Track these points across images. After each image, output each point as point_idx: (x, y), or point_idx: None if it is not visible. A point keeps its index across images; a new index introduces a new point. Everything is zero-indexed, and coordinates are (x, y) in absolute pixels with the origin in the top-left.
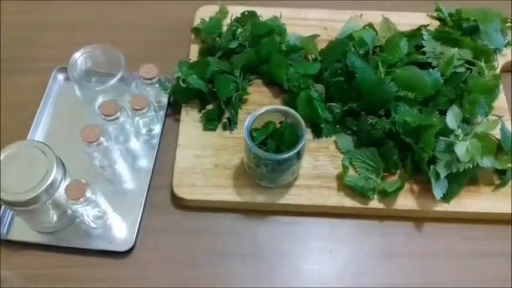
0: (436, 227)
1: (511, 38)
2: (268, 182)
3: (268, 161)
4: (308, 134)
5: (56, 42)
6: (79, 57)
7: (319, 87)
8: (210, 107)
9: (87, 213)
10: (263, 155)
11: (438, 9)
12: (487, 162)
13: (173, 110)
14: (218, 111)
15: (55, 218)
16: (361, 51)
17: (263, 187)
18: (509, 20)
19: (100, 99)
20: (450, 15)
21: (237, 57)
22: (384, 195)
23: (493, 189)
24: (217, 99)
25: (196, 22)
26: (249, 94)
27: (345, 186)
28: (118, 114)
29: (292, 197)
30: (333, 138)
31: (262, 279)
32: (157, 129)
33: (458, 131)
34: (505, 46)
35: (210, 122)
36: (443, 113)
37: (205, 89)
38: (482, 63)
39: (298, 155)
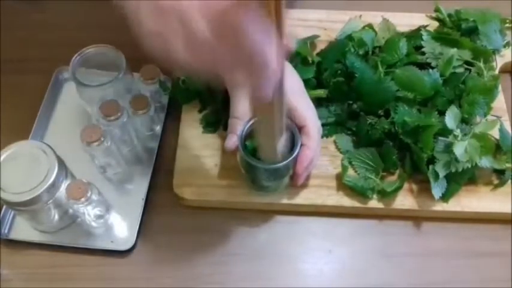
0: (434, 226)
1: (510, 38)
2: (269, 190)
3: (264, 170)
4: None
5: (57, 43)
6: (80, 58)
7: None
8: (210, 108)
9: (88, 212)
10: (256, 163)
11: (437, 10)
12: (485, 162)
13: (173, 110)
14: (217, 114)
15: (56, 217)
16: (361, 52)
17: None
18: (508, 21)
19: (101, 100)
20: (449, 15)
21: None
22: (383, 194)
23: (491, 189)
24: (216, 101)
25: None
26: None
27: (344, 186)
28: (119, 114)
29: (292, 197)
30: (333, 138)
31: (262, 279)
32: (157, 129)
33: (457, 131)
34: (504, 47)
35: (209, 125)
36: (442, 113)
37: (204, 90)
38: (481, 64)
39: (295, 161)
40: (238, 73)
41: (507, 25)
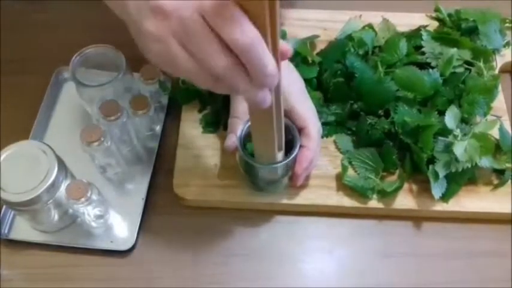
0: (435, 226)
1: (510, 38)
2: (269, 190)
3: (263, 170)
4: None
5: (57, 43)
6: (80, 58)
7: (319, 95)
8: (210, 108)
9: (88, 212)
10: (255, 163)
11: (437, 10)
12: (485, 162)
13: (173, 110)
14: (217, 114)
15: (56, 217)
16: (361, 52)
17: None
18: (508, 21)
19: (101, 100)
20: (449, 15)
21: None
22: (383, 194)
23: (491, 189)
24: (216, 101)
25: None
26: None
27: (344, 186)
28: (119, 114)
29: (292, 197)
30: (333, 138)
31: (262, 279)
32: (157, 129)
33: (457, 131)
34: (504, 47)
35: (209, 125)
36: (442, 113)
37: (204, 90)
38: (481, 64)
39: (294, 162)
40: (237, 78)
41: (507, 25)
